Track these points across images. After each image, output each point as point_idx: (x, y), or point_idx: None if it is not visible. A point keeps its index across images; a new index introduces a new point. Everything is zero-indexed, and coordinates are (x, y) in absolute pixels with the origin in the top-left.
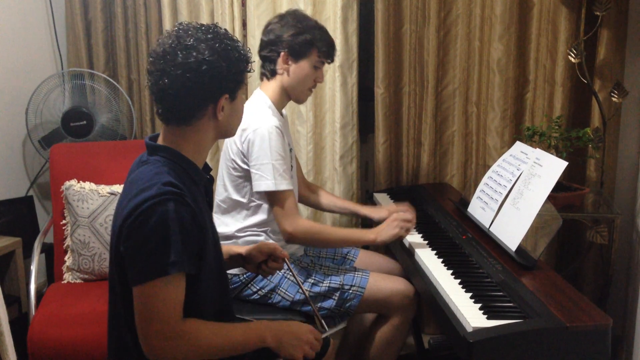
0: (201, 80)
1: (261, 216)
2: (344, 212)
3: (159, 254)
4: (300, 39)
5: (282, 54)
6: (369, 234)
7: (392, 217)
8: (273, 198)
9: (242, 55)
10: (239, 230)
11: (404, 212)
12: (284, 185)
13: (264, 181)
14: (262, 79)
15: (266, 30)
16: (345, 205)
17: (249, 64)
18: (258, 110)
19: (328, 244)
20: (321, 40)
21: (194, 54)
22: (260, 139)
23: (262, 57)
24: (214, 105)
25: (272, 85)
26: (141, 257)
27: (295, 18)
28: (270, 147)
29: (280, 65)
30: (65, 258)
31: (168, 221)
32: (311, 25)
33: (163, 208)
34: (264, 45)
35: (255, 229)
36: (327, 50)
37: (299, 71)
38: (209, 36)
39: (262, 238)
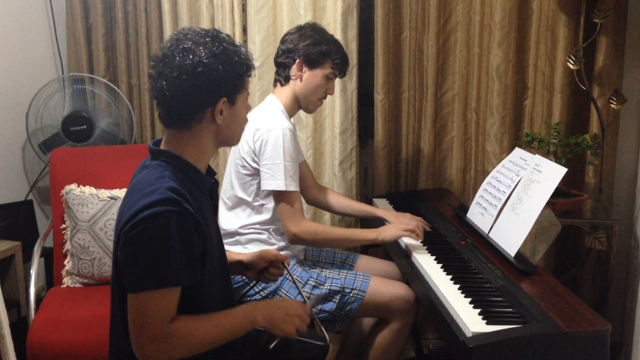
0: (197, 83)
1: (265, 215)
2: (361, 215)
3: (157, 266)
4: (317, 49)
5: (297, 60)
6: (371, 233)
7: (398, 220)
8: (280, 198)
9: (243, 59)
10: (242, 227)
11: (411, 219)
12: (293, 186)
13: (275, 181)
14: (275, 85)
15: (284, 39)
16: (363, 207)
17: (250, 70)
18: (271, 112)
19: (331, 244)
20: (336, 53)
21: (191, 56)
22: (274, 140)
23: (277, 64)
24: (212, 109)
25: (285, 92)
26: (138, 267)
27: (313, 30)
28: (283, 148)
29: (294, 71)
30: (65, 262)
31: (168, 232)
32: (328, 38)
33: (164, 219)
34: (280, 53)
35: (258, 226)
36: (340, 63)
37: (312, 79)
38: (208, 39)
39: (264, 236)
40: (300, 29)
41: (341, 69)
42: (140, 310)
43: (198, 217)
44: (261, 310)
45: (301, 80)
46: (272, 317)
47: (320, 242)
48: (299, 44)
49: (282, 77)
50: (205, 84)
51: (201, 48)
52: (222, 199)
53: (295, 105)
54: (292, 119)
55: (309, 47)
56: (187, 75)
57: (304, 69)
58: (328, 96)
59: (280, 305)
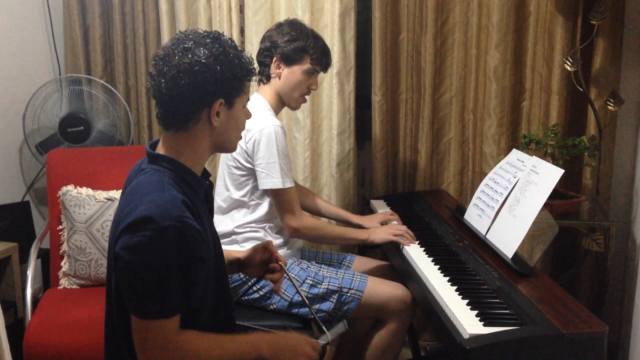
0: (194, 82)
1: (260, 213)
2: (337, 219)
3: (156, 299)
4: (293, 46)
5: (274, 58)
6: (362, 233)
7: (389, 224)
8: (278, 195)
9: (243, 63)
10: (238, 227)
11: (396, 223)
12: (289, 183)
13: (271, 179)
14: (259, 84)
15: (263, 37)
16: (339, 212)
17: (250, 74)
18: (259, 111)
19: (327, 240)
20: (314, 48)
21: (189, 55)
22: (267, 139)
23: (259, 63)
24: (208, 110)
25: (268, 90)
26: (138, 296)
27: (291, 26)
28: (277, 146)
29: (273, 69)
30: (62, 264)
31: (167, 258)
32: (306, 33)
33: (164, 240)
34: (260, 51)
35: (254, 225)
36: (319, 58)
37: (291, 76)
38: (208, 40)
39: (260, 234)
40: (278, 26)
41: (321, 64)
42: (142, 332)
43: (199, 227)
44: (269, 343)
45: (280, 78)
46: (278, 352)
47: (318, 237)
48: (276, 42)
49: (264, 75)
50: (201, 83)
51: (201, 48)
52: (217, 201)
53: (280, 103)
54: (278, 116)
55: (285, 44)
56: (185, 73)
57: (282, 66)
58: (325, 97)
59: (287, 341)
